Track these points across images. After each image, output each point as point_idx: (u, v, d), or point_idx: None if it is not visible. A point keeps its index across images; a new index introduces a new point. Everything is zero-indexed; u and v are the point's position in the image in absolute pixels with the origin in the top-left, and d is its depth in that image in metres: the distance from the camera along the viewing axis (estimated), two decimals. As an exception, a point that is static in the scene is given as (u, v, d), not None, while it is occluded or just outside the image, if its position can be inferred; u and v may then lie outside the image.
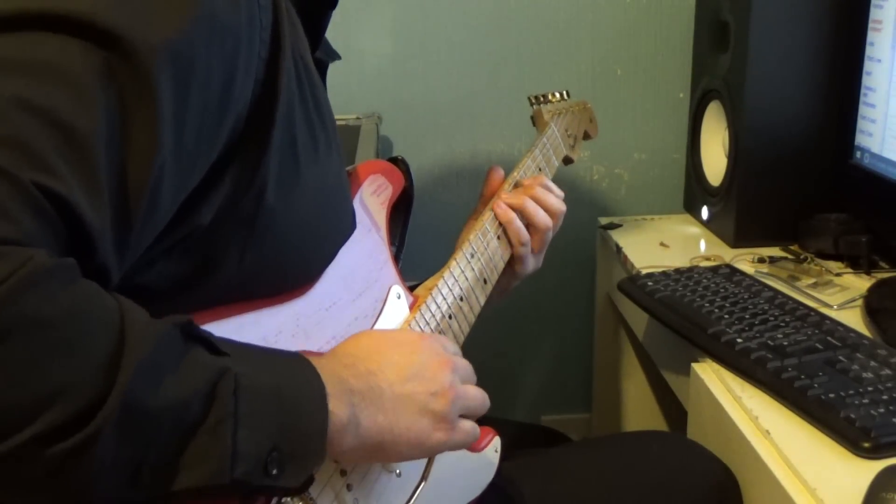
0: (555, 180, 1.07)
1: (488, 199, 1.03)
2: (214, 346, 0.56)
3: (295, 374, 0.60)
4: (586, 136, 1.30)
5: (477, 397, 0.74)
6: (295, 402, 0.58)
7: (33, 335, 0.47)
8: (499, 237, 0.99)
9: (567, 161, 1.21)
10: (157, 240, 0.59)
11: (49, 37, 0.52)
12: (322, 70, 0.83)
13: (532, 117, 1.21)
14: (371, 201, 0.86)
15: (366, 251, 0.82)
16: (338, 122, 1.76)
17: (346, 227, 0.78)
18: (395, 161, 0.93)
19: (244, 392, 0.54)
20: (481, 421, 0.76)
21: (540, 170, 1.11)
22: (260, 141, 0.63)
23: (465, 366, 0.75)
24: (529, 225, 1.01)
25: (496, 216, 1.00)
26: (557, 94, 1.24)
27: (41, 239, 0.49)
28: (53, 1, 0.53)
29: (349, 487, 0.71)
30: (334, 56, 0.88)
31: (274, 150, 0.64)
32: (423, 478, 0.79)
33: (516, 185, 1.03)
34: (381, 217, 0.87)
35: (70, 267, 0.50)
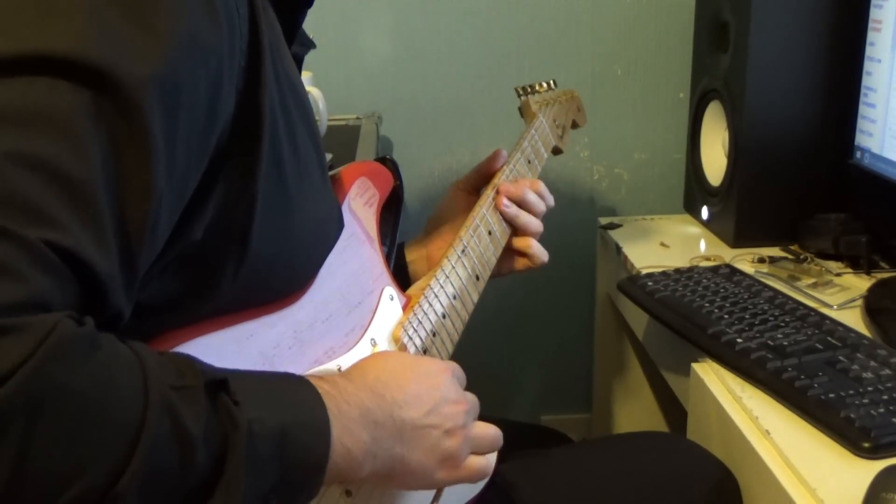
0: (555, 179, 1.07)
1: (482, 176, 1.04)
2: (229, 389, 0.56)
3: (300, 411, 0.60)
4: (574, 126, 1.29)
5: (487, 438, 0.75)
6: (297, 443, 0.58)
7: (63, 409, 0.47)
8: (489, 232, 0.99)
9: (556, 151, 1.20)
10: (153, 260, 0.59)
11: (35, 80, 0.51)
12: (298, 63, 0.82)
13: (520, 108, 1.20)
14: (360, 210, 0.85)
15: (362, 264, 0.82)
16: (338, 123, 1.76)
17: (333, 227, 0.77)
18: (384, 161, 0.93)
19: (254, 439, 0.55)
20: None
21: (529, 161, 1.10)
22: (247, 147, 0.63)
23: (474, 403, 0.76)
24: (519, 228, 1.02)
25: (504, 214, 1.00)
26: (545, 84, 1.23)
27: (56, 296, 0.49)
28: (36, 42, 0.52)
29: (348, 493, 0.71)
30: (310, 45, 0.87)
31: (262, 155, 0.64)
32: (436, 499, 0.79)
33: (497, 192, 1.01)
34: (373, 226, 0.86)
35: (91, 332, 0.50)
